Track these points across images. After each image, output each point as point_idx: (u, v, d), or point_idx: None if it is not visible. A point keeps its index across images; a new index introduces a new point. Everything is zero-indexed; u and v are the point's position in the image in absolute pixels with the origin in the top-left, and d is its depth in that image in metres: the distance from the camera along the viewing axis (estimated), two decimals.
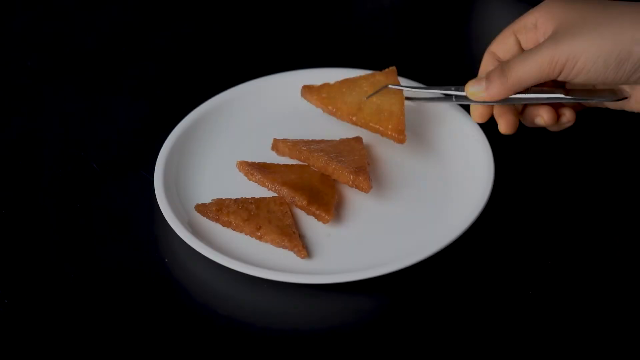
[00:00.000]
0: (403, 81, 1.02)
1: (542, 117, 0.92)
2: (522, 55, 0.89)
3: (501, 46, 0.94)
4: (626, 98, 0.90)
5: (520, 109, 0.94)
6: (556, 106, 0.93)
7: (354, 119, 0.97)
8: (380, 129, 0.95)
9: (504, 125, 0.93)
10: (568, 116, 0.93)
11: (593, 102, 0.92)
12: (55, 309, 0.86)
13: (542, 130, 0.96)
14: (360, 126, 0.97)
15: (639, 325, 0.83)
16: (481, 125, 0.97)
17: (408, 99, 0.98)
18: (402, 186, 0.96)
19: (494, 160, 0.94)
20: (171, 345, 0.83)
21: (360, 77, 0.99)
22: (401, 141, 0.94)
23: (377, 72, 0.99)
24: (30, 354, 0.83)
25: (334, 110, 0.98)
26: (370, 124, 0.96)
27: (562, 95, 0.91)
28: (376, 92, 0.97)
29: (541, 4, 0.91)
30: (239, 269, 0.86)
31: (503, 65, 0.90)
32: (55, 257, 0.91)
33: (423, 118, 1.02)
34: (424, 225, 0.92)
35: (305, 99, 1.01)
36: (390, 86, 0.97)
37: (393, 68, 0.99)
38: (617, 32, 0.84)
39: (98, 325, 0.85)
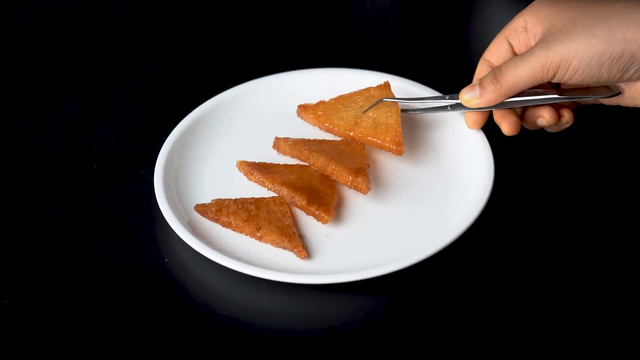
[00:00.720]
0: (400, 85, 1.02)
1: (544, 118, 0.93)
2: (514, 60, 0.89)
3: (494, 53, 0.94)
4: (620, 93, 0.90)
5: (520, 112, 0.95)
6: (555, 107, 0.93)
7: (351, 134, 0.97)
8: (378, 142, 0.95)
9: (507, 127, 0.93)
10: (567, 117, 0.93)
11: (588, 100, 0.92)
12: (55, 309, 0.86)
13: (541, 130, 0.96)
14: (358, 141, 0.97)
15: (639, 325, 0.83)
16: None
17: (403, 111, 0.99)
18: (402, 186, 0.96)
19: (493, 161, 0.94)
20: (171, 346, 0.83)
21: (355, 93, 1.00)
22: (400, 153, 0.94)
23: (371, 87, 1.00)
24: (30, 354, 0.83)
25: (331, 127, 0.98)
26: (368, 138, 0.96)
27: (556, 96, 0.92)
28: (372, 106, 0.97)
29: (529, 6, 0.92)
30: (239, 269, 0.86)
31: (495, 71, 0.90)
32: (55, 257, 0.91)
33: (423, 119, 1.02)
34: (424, 225, 0.92)
35: (301, 118, 1.01)
36: (384, 99, 0.97)
37: (387, 82, 1.00)
38: (607, 32, 0.85)
39: (98, 326, 0.85)
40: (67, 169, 1.00)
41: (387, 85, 1.00)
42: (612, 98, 0.91)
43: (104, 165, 1.00)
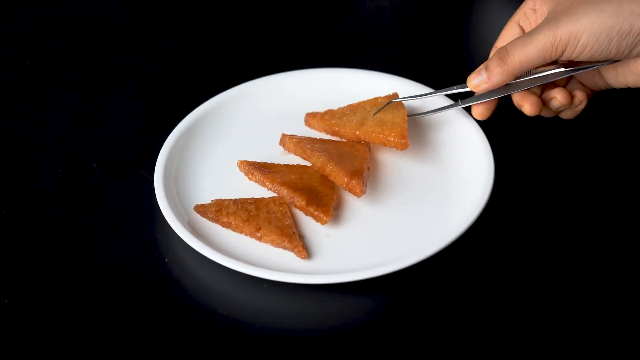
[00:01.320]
0: (400, 85, 1.03)
1: (557, 99, 0.93)
2: (520, 39, 0.89)
3: (507, 40, 0.94)
4: (619, 60, 0.90)
5: (539, 93, 0.94)
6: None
7: (357, 132, 0.97)
8: (382, 136, 0.95)
9: (529, 107, 0.92)
10: (579, 96, 0.93)
11: (593, 68, 0.92)
12: (55, 309, 0.86)
13: (541, 129, 0.96)
14: (364, 139, 0.97)
15: (639, 325, 0.83)
16: (481, 125, 0.97)
17: (411, 115, 0.99)
18: (402, 186, 0.96)
19: (494, 161, 0.94)
20: (171, 345, 0.83)
21: (363, 101, 1.00)
22: (404, 146, 0.94)
23: (379, 97, 1.00)
24: (31, 354, 0.83)
25: (337, 128, 0.98)
26: (373, 134, 0.96)
27: (562, 69, 0.92)
28: (382, 107, 0.97)
29: None
30: (239, 269, 0.86)
31: (501, 52, 0.90)
32: (55, 257, 0.91)
33: (423, 119, 1.02)
34: (424, 225, 0.92)
35: (309, 126, 1.01)
36: (394, 100, 0.97)
37: (395, 93, 1.00)
38: (616, 7, 0.86)
39: (98, 326, 0.85)
40: (67, 169, 1.00)
41: (395, 95, 1.00)
42: (620, 79, 0.91)
43: (104, 165, 1.00)
